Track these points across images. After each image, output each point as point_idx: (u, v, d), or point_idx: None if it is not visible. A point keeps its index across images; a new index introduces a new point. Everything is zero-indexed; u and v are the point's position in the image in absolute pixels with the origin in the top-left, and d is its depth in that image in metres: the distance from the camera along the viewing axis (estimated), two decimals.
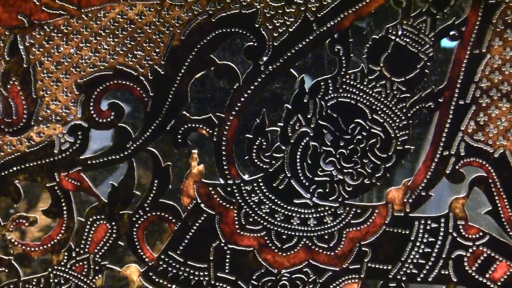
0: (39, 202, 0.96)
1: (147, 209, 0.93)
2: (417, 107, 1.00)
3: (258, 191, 0.99)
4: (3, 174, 0.96)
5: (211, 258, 0.94)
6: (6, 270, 0.94)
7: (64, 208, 0.95)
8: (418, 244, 0.95)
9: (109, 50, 0.94)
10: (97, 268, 0.93)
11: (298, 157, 1.00)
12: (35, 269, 0.93)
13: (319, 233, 0.95)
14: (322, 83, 1.00)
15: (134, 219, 0.94)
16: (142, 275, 0.95)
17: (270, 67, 0.99)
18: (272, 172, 1.00)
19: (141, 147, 0.95)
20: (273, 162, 0.99)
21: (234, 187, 0.97)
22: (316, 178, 0.98)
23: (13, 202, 0.97)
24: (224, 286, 0.94)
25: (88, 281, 0.94)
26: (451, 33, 0.99)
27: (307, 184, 0.94)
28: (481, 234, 0.96)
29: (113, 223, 0.94)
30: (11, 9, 0.94)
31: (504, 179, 0.94)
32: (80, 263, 0.93)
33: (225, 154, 0.96)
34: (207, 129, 0.96)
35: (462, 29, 0.99)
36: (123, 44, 0.93)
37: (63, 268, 0.94)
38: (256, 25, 0.99)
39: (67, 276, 0.94)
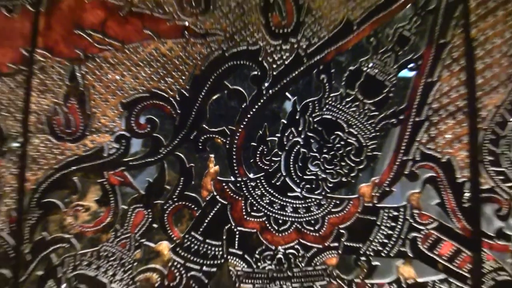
0: (88, 194, 1.12)
1: (175, 199, 1.08)
2: (383, 122, 1.13)
3: (260, 187, 1.11)
4: (64, 172, 1.09)
5: (224, 237, 1.09)
6: (67, 245, 1.10)
7: (112, 198, 1.10)
8: (382, 227, 1.10)
9: (146, 77, 1.09)
10: (136, 244, 1.09)
11: (291, 160, 1.11)
12: (89, 245, 1.11)
13: (307, 219, 1.09)
14: (310, 104, 1.11)
15: (165, 207, 1.09)
16: (171, 250, 1.10)
17: (270, 91, 1.11)
18: (271, 172, 1.12)
19: (170, 152, 1.09)
20: (272, 164, 1.11)
21: (242, 183, 1.10)
22: (305, 177, 1.11)
23: (71, 194, 1.11)
24: (234, 258, 1.09)
25: (130, 254, 1.11)
26: (410, 66, 1.11)
27: (298, 181, 1.09)
28: (431, 220, 1.11)
29: (149, 210, 1.10)
30: (70, 45, 1.10)
31: (449, 178, 1.09)
32: (124, 241, 1.10)
33: (235, 157, 1.10)
34: (222, 139, 1.09)
35: (419, 63, 1.10)
36: (157, 72, 1.09)
37: (110, 244, 1.10)
38: (260, 59, 1.11)
39: (114, 251, 1.10)
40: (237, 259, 1.11)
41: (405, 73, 1.14)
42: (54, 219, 1.14)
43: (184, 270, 1.12)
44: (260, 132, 1.11)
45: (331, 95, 1.11)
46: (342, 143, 1.11)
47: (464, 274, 1.11)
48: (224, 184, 1.11)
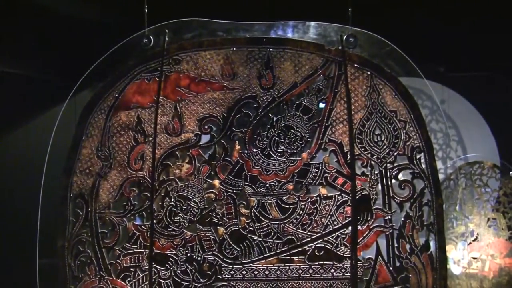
0: (184, 160, 1.90)
1: (221, 161, 1.87)
2: (312, 125, 1.87)
3: (259, 155, 1.88)
4: (172, 150, 1.88)
5: (243, 177, 1.89)
6: (174, 182, 1.90)
7: (193, 161, 1.89)
8: (312, 172, 1.86)
9: (207, 108, 1.91)
10: (204, 181, 1.89)
11: (271, 143, 1.87)
12: (184, 181, 1.97)
13: (279, 168, 1.88)
14: (280, 118, 1.87)
15: (216, 164, 1.88)
16: (219, 184, 1.89)
17: (262, 113, 1.89)
18: (262, 148, 1.88)
19: (219, 141, 1.89)
20: (264, 143, 1.87)
21: (250, 153, 1.87)
22: (278, 150, 1.88)
23: (175, 159, 1.88)
24: (247, 187, 1.88)
25: (201, 186, 1.87)
26: (323, 101, 1.88)
27: (274, 151, 1.89)
28: (333, 168, 1.87)
29: (210, 166, 1.88)
30: (175, 94, 1.92)
31: (341, 149, 1.88)
32: (198, 179, 1.89)
33: (247, 142, 1.88)
34: (241, 134, 1.88)
35: (326, 99, 1.88)
36: (212, 105, 1.91)
37: (192, 182, 1.88)
38: (257, 99, 1.89)
39: (194, 184, 1.87)
40: (247, 188, 1.88)
41: (321, 104, 1.91)
42: (169, 171, 1.91)
43: (224, 191, 1.88)
44: (258, 131, 1.90)
45: (289, 114, 1.90)
46: (294, 135, 1.90)
47: (348, 192, 1.87)
48: (242, 153, 1.89)
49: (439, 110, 2.17)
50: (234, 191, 1.92)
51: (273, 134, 1.91)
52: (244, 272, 1.92)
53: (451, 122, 2.31)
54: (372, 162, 1.92)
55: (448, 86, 2.29)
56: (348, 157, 1.88)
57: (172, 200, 1.93)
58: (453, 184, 2.32)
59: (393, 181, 1.92)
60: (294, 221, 1.91)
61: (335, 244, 1.91)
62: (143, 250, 1.94)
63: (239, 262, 1.92)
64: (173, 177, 1.93)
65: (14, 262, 2.22)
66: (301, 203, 1.91)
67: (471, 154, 2.38)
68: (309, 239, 1.91)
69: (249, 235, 1.91)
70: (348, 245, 1.90)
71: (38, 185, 1.97)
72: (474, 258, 2.32)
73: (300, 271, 1.92)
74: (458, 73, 2.34)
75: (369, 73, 1.92)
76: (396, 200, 1.92)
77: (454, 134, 2.34)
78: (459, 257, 2.29)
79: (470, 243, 2.32)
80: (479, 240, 2.35)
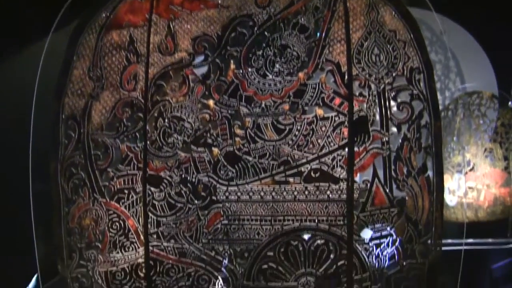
0: (178, 80, 1.86)
1: (216, 79, 1.81)
2: (309, 44, 1.78)
3: (254, 75, 1.81)
4: (165, 70, 1.81)
5: (238, 97, 1.84)
6: (167, 102, 1.87)
7: (187, 81, 1.83)
8: (309, 92, 1.81)
9: (201, 26, 1.83)
10: (198, 102, 1.83)
11: (267, 61, 1.78)
12: (179, 102, 1.92)
13: (274, 87, 1.79)
14: (276, 37, 1.77)
15: (211, 84, 1.79)
16: (214, 104, 1.89)
17: (257, 32, 1.78)
18: (258, 68, 1.80)
19: (213, 60, 1.82)
20: (260, 63, 1.79)
21: (245, 72, 1.78)
22: (274, 70, 1.77)
23: (168, 79, 1.81)
24: (242, 108, 1.81)
25: (195, 106, 1.82)
26: (320, 21, 1.78)
27: (269, 70, 1.82)
28: (331, 89, 1.80)
29: (204, 85, 1.80)
30: (168, 13, 1.85)
31: (338, 70, 1.80)
32: (192, 99, 1.82)
33: (242, 61, 1.79)
34: (236, 53, 1.79)
35: (323, 18, 1.82)
36: (206, 24, 1.83)
37: (186, 101, 1.83)
38: (253, 17, 1.78)
39: (188, 104, 1.81)
40: (242, 108, 1.82)
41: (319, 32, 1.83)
42: (162, 91, 1.84)
43: (219, 112, 1.82)
44: (253, 50, 1.83)
45: (285, 33, 1.83)
46: (290, 54, 1.83)
47: (345, 112, 1.82)
48: (237, 73, 1.83)
49: (439, 40, 2.09)
50: (229, 112, 1.85)
51: (269, 53, 1.82)
52: (239, 194, 1.87)
53: (450, 53, 2.22)
54: (370, 82, 1.85)
55: (448, 16, 2.19)
56: (346, 77, 1.80)
57: (166, 121, 1.86)
58: (451, 115, 2.26)
59: (391, 102, 1.85)
60: (290, 142, 1.84)
61: (331, 166, 1.84)
62: (137, 172, 1.88)
63: (234, 183, 1.85)
64: (167, 98, 1.87)
65: (7, 187, 2.16)
66: (297, 123, 1.85)
67: (469, 84, 2.31)
68: (305, 160, 1.85)
69: (244, 156, 1.85)
70: (344, 166, 1.83)
71: (29, 109, 1.89)
72: (470, 187, 2.28)
73: (295, 193, 1.86)
74: (459, 3, 2.24)
75: None
76: (394, 122, 1.86)
77: (453, 65, 2.26)
78: (454, 187, 2.25)
79: (466, 173, 2.28)
80: (475, 170, 2.30)
